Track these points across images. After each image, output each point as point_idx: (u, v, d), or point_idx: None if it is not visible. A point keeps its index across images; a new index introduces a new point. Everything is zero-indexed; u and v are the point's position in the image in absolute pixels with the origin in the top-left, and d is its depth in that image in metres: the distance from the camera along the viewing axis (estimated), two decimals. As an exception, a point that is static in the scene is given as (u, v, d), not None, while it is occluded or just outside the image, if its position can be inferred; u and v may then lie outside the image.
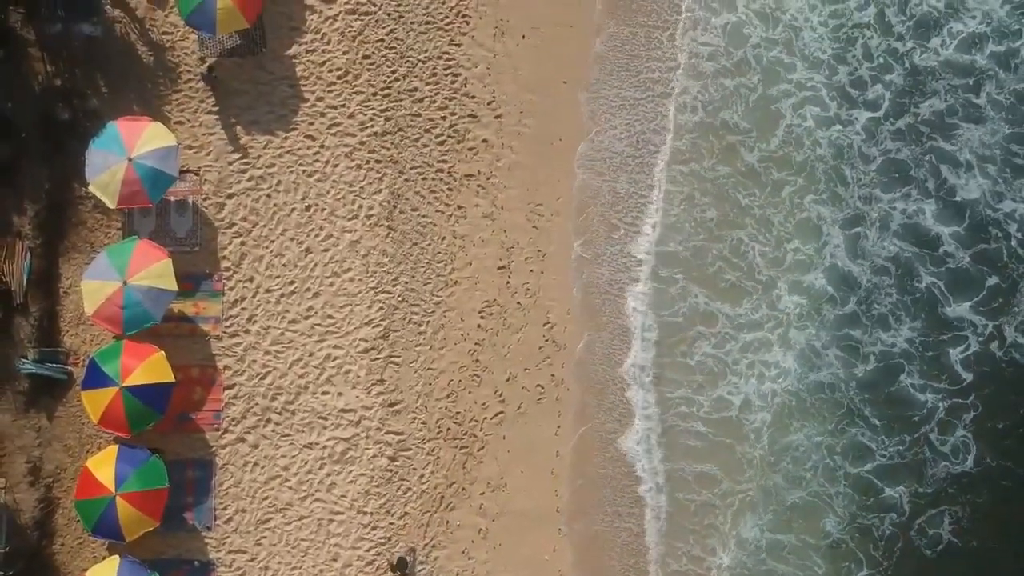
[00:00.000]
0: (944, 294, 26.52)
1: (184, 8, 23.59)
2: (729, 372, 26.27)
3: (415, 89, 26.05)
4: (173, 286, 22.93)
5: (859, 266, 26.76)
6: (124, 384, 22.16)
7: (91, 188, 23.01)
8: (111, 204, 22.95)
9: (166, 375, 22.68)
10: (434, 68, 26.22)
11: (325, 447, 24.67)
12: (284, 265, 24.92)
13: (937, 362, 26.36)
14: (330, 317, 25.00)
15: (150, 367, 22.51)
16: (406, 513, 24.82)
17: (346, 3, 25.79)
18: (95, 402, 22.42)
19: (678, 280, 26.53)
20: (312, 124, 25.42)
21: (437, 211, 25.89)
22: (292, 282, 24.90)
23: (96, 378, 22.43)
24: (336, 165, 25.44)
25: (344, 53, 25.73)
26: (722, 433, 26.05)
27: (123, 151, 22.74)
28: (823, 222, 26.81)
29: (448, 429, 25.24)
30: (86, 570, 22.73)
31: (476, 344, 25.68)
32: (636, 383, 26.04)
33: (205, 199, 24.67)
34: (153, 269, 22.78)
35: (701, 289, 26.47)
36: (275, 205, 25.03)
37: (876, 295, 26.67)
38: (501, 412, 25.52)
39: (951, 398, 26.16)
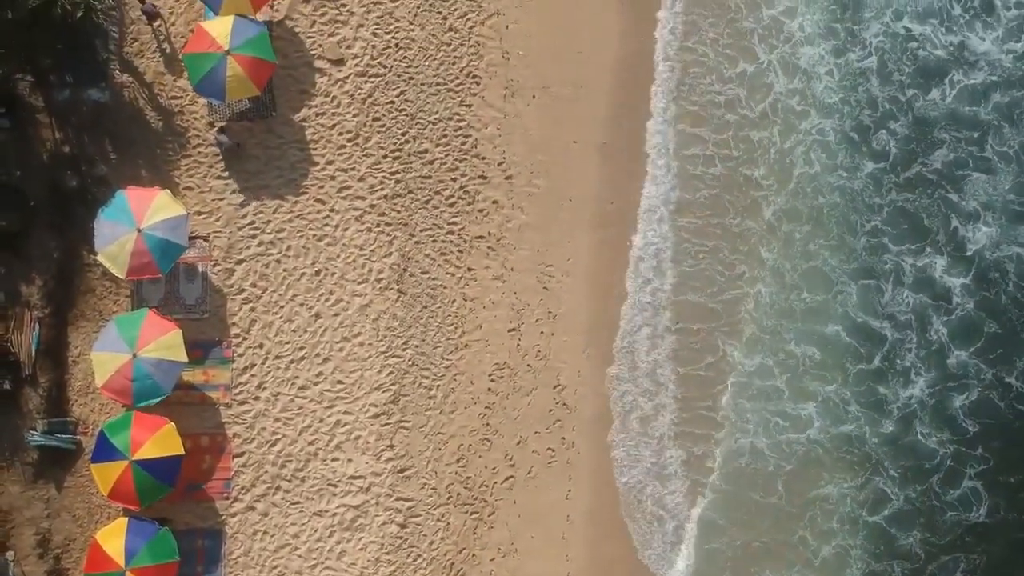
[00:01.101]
0: (950, 342, 26.66)
1: (194, 76, 23.44)
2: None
3: (425, 151, 25.95)
4: (183, 357, 22.79)
5: (869, 317, 26.80)
6: (134, 458, 21.99)
7: (100, 258, 22.82)
8: (120, 275, 22.77)
9: (176, 448, 22.52)
10: (444, 129, 26.12)
11: (335, 514, 24.52)
12: (294, 331, 24.79)
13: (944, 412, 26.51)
14: (340, 383, 24.87)
15: (160, 440, 22.35)
16: (417, 581, 24.88)
17: (356, 65, 25.68)
18: (105, 475, 22.24)
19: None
20: (322, 188, 25.31)
21: (447, 273, 25.78)
22: (302, 348, 24.78)
23: (105, 451, 22.26)
24: (346, 229, 25.32)
25: (354, 116, 25.60)
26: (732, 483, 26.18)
27: (132, 222, 22.57)
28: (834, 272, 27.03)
29: (458, 494, 25.10)
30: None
31: (486, 408, 25.56)
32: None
33: (215, 265, 24.53)
34: (163, 340, 22.63)
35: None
36: (285, 270, 24.90)
37: (888, 346, 26.69)
38: (511, 476, 25.41)
39: (959, 448, 26.26)
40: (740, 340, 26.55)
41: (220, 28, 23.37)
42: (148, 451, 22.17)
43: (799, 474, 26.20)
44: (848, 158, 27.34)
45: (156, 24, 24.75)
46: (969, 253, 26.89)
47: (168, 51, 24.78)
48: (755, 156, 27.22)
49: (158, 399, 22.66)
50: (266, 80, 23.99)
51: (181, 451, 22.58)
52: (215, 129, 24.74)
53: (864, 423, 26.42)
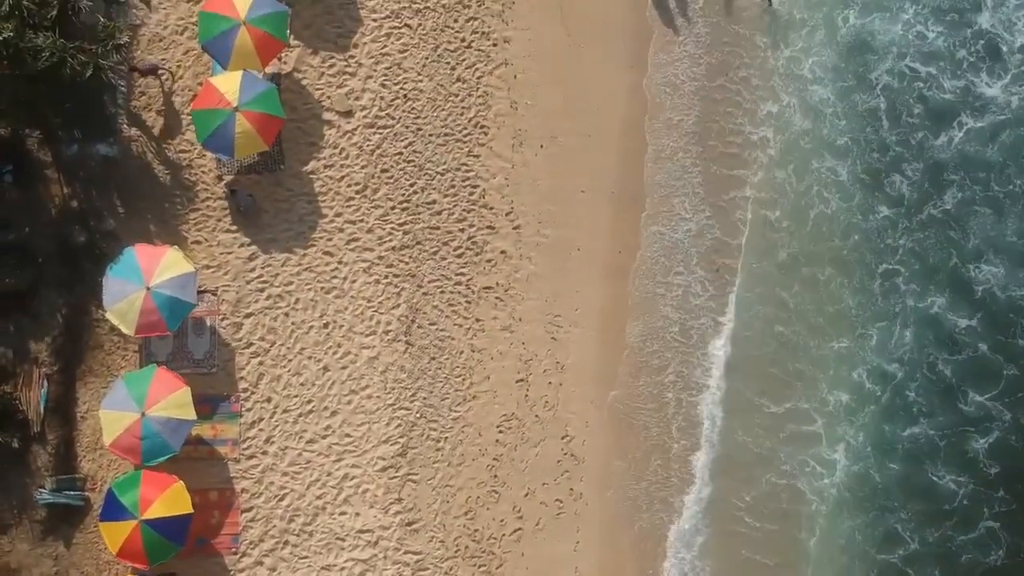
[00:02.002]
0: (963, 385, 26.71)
1: (201, 132, 23.41)
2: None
3: (433, 202, 25.94)
4: (192, 415, 22.74)
5: (885, 359, 26.86)
6: (143, 517, 21.88)
7: (109, 316, 22.74)
8: (129, 332, 22.69)
9: (185, 507, 22.44)
10: (453, 180, 26.10)
11: (343, 568, 24.45)
12: (302, 384, 24.74)
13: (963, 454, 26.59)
14: (348, 436, 24.82)
15: (169, 499, 22.29)
16: (425, 635, 24.84)
17: (364, 117, 25.68)
18: (113, 534, 22.14)
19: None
20: (330, 240, 25.28)
21: (455, 325, 25.75)
22: (310, 401, 24.73)
23: (114, 510, 22.17)
24: (354, 281, 25.29)
25: (363, 167, 25.59)
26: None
27: (141, 280, 22.49)
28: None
29: (466, 547, 25.05)
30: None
31: (494, 459, 25.52)
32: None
33: (223, 319, 24.48)
34: (172, 399, 22.58)
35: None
36: (293, 323, 24.86)
37: (901, 387, 26.80)
38: (519, 528, 25.37)
39: (977, 489, 26.33)
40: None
41: (229, 84, 23.37)
42: (157, 510, 22.10)
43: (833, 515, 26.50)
44: (859, 198, 27.49)
45: (162, 77, 24.76)
46: (979, 295, 26.97)
47: (176, 104, 24.77)
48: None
49: (167, 456, 22.69)
50: (275, 136, 23.98)
51: (190, 510, 22.52)
52: (230, 190, 24.74)
53: (880, 463, 26.50)
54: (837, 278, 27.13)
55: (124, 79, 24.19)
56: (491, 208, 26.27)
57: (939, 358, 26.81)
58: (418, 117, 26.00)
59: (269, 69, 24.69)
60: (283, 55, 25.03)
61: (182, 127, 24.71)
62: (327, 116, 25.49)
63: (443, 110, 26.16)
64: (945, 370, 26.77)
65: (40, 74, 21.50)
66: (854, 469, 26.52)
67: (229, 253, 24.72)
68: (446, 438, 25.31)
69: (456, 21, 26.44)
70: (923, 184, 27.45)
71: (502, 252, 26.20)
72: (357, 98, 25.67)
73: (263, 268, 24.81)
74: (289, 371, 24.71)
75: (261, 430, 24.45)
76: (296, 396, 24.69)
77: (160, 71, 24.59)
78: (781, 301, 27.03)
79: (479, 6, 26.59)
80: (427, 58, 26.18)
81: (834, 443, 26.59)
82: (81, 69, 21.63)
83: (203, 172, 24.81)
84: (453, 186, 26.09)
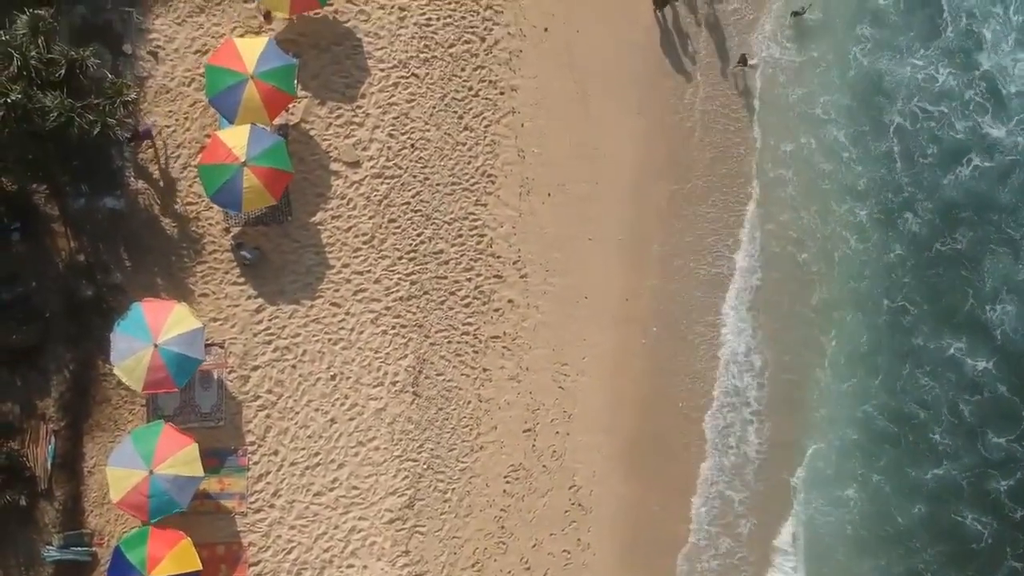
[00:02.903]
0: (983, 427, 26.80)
1: (209, 187, 23.35)
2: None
3: (441, 251, 25.87)
4: (199, 472, 22.68)
5: (901, 400, 26.94)
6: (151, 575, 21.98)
7: (116, 372, 22.67)
8: (137, 389, 22.61)
9: (193, 563, 22.37)
10: (460, 229, 26.04)
11: (351, 621, 24.53)
12: (309, 437, 24.67)
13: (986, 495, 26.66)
14: (355, 488, 24.75)
15: (177, 557, 22.22)
16: None
17: (372, 167, 25.62)
18: (121, 592, 22.24)
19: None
20: (338, 291, 25.21)
21: (463, 375, 25.68)
22: (317, 454, 24.65)
23: (122, 568, 22.06)
24: (361, 332, 25.23)
25: (370, 218, 25.53)
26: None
27: (149, 336, 22.44)
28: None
29: (474, 599, 25.13)
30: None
31: (502, 510, 25.46)
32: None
33: (230, 372, 24.41)
34: (180, 456, 22.51)
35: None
36: (300, 376, 24.80)
37: (922, 428, 26.88)
38: (527, 580, 25.44)
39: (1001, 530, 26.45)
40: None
41: (237, 138, 23.29)
42: (165, 568, 22.04)
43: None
44: (876, 238, 27.58)
45: (155, 139, 24.64)
46: (997, 337, 27.00)
47: (184, 156, 24.72)
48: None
49: (175, 511, 22.59)
50: (283, 190, 23.91)
51: (198, 566, 22.46)
52: (237, 243, 24.69)
53: (901, 504, 26.61)
54: (854, 317, 27.23)
55: (130, 132, 24.11)
56: (498, 257, 26.21)
57: (959, 399, 26.86)
58: (425, 166, 25.95)
59: (277, 120, 24.63)
60: (291, 106, 24.99)
61: (190, 179, 24.65)
62: (335, 167, 25.45)
63: (450, 159, 26.12)
64: (965, 411, 26.80)
65: (48, 133, 21.43)
66: (871, 508, 26.64)
67: (236, 306, 24.66)
68: (453, 489, 25.25)
69: (463, 70, 26.39)
70: (936, 223, 27.44)
71: (509, 301, 26.15)
72: (364, 148, 25.61)
73: (270, 320, 24.77)
74: (296, 424, 24.67)
75: (268, 483, 24.38)
76: (303, 449, 24.63)
77: (153, 136, 24.52)
78: (793, 342, 27.24)
79: (487, 55, 26.54)
80: (434, 107, 26.11)
81: (849, 481, 26.72)
82: (89, 128, 21.54)
83: (210, 224, 24.75)
84: (460, 235, 26.04)
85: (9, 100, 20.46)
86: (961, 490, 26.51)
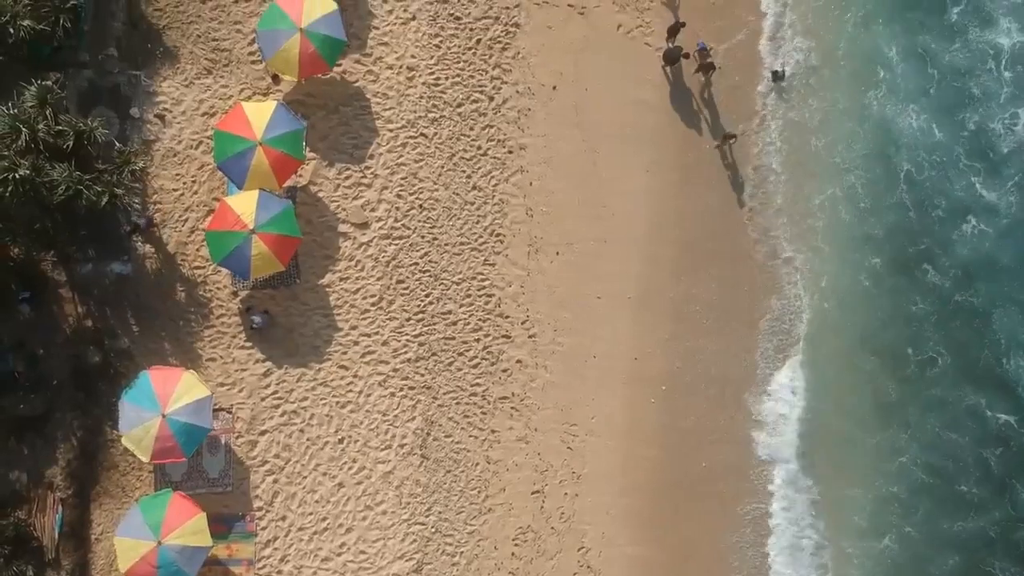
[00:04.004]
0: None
1: (216, 254, 23.21)
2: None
3: (449, 312, 25.75)
4: (208, 542, 22.53)
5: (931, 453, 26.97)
6: (160, 657, 21.89)
7: (124, 442, 22.51)
8: (145, 459, 22.44)
9: (202, 630, 22.39)
10: (468, 289, 25.92)
11: None
12: (317, 501, 24.53)
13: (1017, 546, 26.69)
14: (363, 552, 24.60)
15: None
16: None
17: (380, 228, 25.51)
18: (128, 669, 22.11)
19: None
20: (345, 353, 25.10)
21: (471, 436, 25.56)
22: (325, 519, 24.50)
23: (131, 639, 22.12)
24: (369, 394, 25.10)
25: (378, 279, 25.41)
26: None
27: (156, 406, 22.29)
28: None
29: (482, 664, 24.99)
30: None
31: (510, 573, 25.28)
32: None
33: (238, 437, 24.29)
34: (188, 526, 22.37)
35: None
36: (308, 439, 24.67)
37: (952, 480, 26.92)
38: (535, 644, 25.30)
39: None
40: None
41: (245, 205, 23.17)
42: (172, 636, 22.04)
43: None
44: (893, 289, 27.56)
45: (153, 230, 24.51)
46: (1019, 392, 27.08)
47: (190, 220, 24.61)
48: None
49: None
50: (291, 256, 23.81)
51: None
52: (245, 308, 24.59)
53: (933, 556, 26.68)
54: (879, 369, 27.29)
55: (138, 195, 23.97)
56: (507, 317, 26.09)
57: (985, 452, 26.90)
58: (434, 227, 25.85)
59: (286, 183, 24.53)
60: (299, 169, 24.87)
61: (198, 243, 24.52)
62: (343, 228, 25.32)
63: (459, 219, 26.00)
64: (992, 464, 26.83)
65: (56, 206, 21.31)
66: (903, 559, 26.68)
67: (244, 370, 24.54)
68: (461, 552, 25.11)
69: (472, 129, 26.28)
70: (954, 277, 27.43)
71: (518, 361, 26.03)
72: (373, 209, 25.50)
73: (278, 384, 24.64)
74: (304, 488, 24.53)
75: (276, 549, 24.24)
76: (311, 514, 24.49)
77: (154, 224, 24.39)
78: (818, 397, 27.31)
79: (495, 114, 26.43)
80: (443, 167, 26.01)
81: (884, 532, 26.76)
82: (97, 200, 21.44)
83: (218, 288, 24.62)
84: (469, 295, 25.92)
85: (18, 176, 20.37)
86: (993, 542, 26.55)
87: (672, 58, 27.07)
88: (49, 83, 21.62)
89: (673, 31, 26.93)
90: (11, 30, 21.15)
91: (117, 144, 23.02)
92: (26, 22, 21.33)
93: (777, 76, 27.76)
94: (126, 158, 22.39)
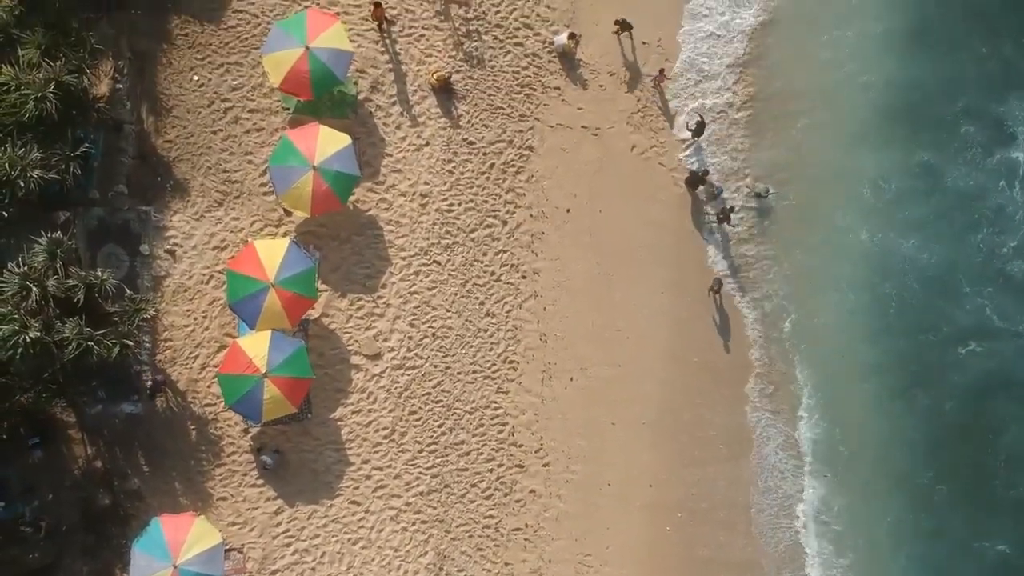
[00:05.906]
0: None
1: (228, 397, 22.83)
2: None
3: (462, 442, 25.41)
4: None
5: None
6: None
7: (136, 590, 22.31)
8: (156, 611, 22.23)
9: None
10: (481, 418, 25.60)
11: None
12: (330, 641, 24.31)
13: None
14: None
15: None
16: None
17: (393, 359, 25.18)
18: None
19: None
20: (357, 488, 24.73)
21: (484, 570, 25.17)
22: (337, 658, 24.30)
23: None
24: (381, 530, 24.73)
25: (390, 411, 25.06)
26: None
27: (168, 557, 21.80)
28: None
29: None
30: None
31: None
32: None
33: (249, 577, 24.06)
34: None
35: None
36: (320, 578, 24.44)
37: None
38: None
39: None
40: None
41: (257, 347, 22.81)
42: None
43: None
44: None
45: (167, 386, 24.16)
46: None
47: (200, 358, 24.28)
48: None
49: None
50: (303, 397, 23.46)
51: None
52: (256, 450, 24.24)
53: None
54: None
55: (148, 334, 23.68)
56: (520, 446, 25.75)
57: None
58: (447, 355, 25.51)
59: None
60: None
61: (208, 380, 24.17)
62: (355, 360, 24.97)
63: (472, 347, 25.68)
64: None
65: (70, 363, 20.98)
66: None
67: (255, 508, 24.16)
68: None
69: (485, 255, 25.98)
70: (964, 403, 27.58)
71: (531, 491, 25.69)
72: (385, 339, 25.16)
73: (289, 522, 24.26)
74: (317, 628, 24.27)
75: None
76: (324, 654, 24.25)
77: (166, 384, 24.07)
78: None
79: (508, 238, 26.14)
80: (456, 294, 25.69)
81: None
82: (107, 353, 21.10)
83: (228, 426, 24.24)
84: (482, 425, 25.58)
85: (28, 339, 20.04)
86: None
87: (695, 182, 26.86)
88: (59, 235, 21.23)
89: (692, 183, 27.11)
90: (21, 183, 20.81)
91: (127, 291, 22.67)
92: (36, 172, 20.99)
93: (760, 196, 27.83)
94: (138, 307, 22.05)
